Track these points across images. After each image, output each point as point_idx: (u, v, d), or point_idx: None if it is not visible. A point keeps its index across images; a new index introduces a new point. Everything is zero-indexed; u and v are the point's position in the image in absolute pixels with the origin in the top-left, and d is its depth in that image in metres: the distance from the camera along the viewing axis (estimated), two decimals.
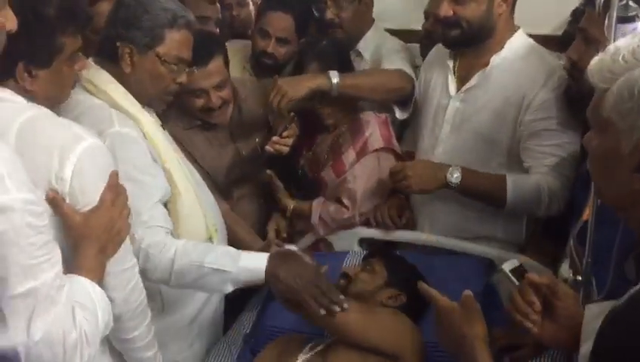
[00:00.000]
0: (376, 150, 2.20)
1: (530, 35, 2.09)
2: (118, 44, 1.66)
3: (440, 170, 2.00)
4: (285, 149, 2.08)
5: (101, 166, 1.29)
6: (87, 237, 1.23)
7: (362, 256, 2.15)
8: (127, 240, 1.37)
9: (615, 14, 1.49)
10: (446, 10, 1.96)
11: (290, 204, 2.24)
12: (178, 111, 2.12)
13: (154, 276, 1.62)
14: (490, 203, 2.05)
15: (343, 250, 2.21)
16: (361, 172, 2.19)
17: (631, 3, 1.50)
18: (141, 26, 1.66)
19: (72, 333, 1.09)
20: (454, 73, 2.10)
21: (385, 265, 1.83)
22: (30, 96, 1.29)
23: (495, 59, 2.02)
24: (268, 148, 2.08)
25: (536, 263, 1.99)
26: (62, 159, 1.21)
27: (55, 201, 1.21)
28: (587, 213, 1.50)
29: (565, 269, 1.60)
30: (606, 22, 1.53)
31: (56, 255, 1.10)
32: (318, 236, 2.24)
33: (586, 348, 0.97)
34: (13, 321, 1.03)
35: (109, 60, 1.68)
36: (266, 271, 1.59)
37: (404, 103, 2.28)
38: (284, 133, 2.07)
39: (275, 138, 2.07)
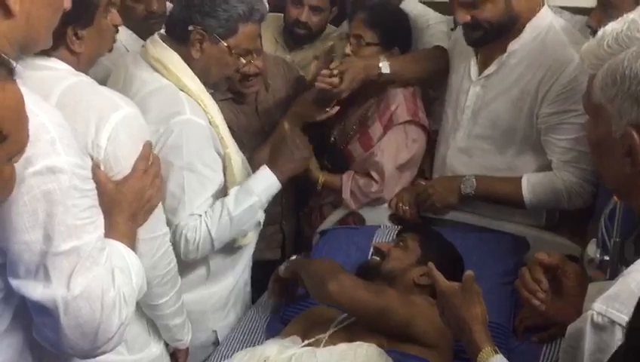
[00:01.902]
0: (402, 123, 2.18)
1: (563, 8, 1.99)
2: (190, 28, 1.65)
3: (455, 183, 2.05)
4: (336, 81, 2.07)
5: (136, 135, 1.32)
6: (118, 203, 1.27)
7: (394, 229, 2.17)
8: (159, 209, 1.41)
9: None
10: (463, 16, 1.89)
11: (321, 176, 2.25)
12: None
13: (200, 253, 1.71)
14: (509, 205, 2.04)
15: (374, 224, 2.22)
16: (388, 145, 2.18)
17: None
18: (217, 15, 1.65)
19: (110, 292, 1.12)
20: (477, 57, 2.04)
21: (419, 241, 1.82)
22: (76, 60, 1.33)
23: (513, 46, 1.93)
24: (318, 83, 2.09)
25: (569, 242, 1.96)
26: (98, 126, 1.26)
27: (91, 168, 1.24)
28: None
29: (592, 249, 1.56)
30: None
31: (100, 219, 1.14)
32: (349, 209, 2.25)
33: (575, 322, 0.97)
34: (55, 276, 1.06)
35: (177, 41, 1.68)
36: (272, 171, 1.77)
37: None
38: (332, 65, 2.09)
39: (325, 71, 2.08)
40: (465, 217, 2.15)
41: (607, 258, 1.52)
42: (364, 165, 2.23)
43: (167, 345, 1.66)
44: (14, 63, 0.99)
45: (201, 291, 1.84)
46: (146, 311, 1.53)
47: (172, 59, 1.66)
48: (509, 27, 1.90)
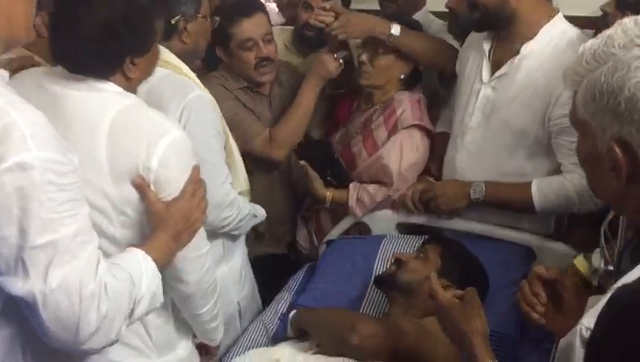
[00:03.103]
0: (407, 127, 2.20)
1: (569, 17, 1.99)
2: (173, 21, 1.79)
3: (464, 188, 2.04)
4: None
5: (184, 157, 1.38)
6: (165, 223, 1.32)
7: (401, 238, 2.18)
8: (202, 229, 1.46)
9: None
10: None
11: (329, 193, 2.25)
12: (222, 74, 2.27)
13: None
14: (520, 211, 2.03)
15: (381, 233, 2.23)
16: (394, 148, 2.20)
17: None
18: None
19: (89, 285, 1.13)
20: (489, 58, 2.03)
21: (440, 254, 1.80)
22: (129, 84, 1.40)
23: (526, 48, 1.93)
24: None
25: (574, 252, 1.95)
26: (149, 150, 1.30)
27: (141, 188, 1.31)
28: None
29: (597, 259, 1.56)
30: None
31: (82, 212, 1.16)
32: (356, 218, 2.26)
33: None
34: (33, 270, 1.08)
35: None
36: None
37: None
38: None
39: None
40: (470, 226, 2.14)
41: (611, 267, 1.53)
42: (369, 170, 2.24)
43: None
44: None
45: (222, 268, 1.97)
46: (187, 318, 1.59)
47: (167, 54, 1.75)
48: (503, 20, 1.92)
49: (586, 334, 0.95)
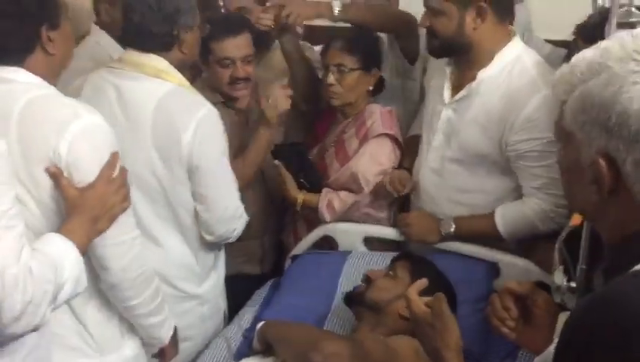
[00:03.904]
0: (376, 136, 2.23)
1: (549, 41, 2.04)
2: (175, 32, 1.80)
3: (436, 224, 2.09)
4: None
5: (98, 144, 1.38)
6: (79, 207, 1.33)
7: (367, 255, 2.17)
8: (125, 216, 1.45)
9: (615, 20, 1.46)
10: (424, 21, 1.99)
11: (300, 196, 2.25)
12: (201, 86, 2.25)
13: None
14: (490, 239, 2.07)
15: (347, 249, 2.22)
16: (363, 156, 2.23)
17: (633, 9, 1.47)
18: (187, 10, 1.83)
19: (11, 268, 1.14)
20: (450, 81, 2.07)
21: (410, 271, 1.78)
22: (51, 63, 1.40)
23: (483, 74, 1.96)
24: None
25: (538, 269, 1.98)
26: (58, 136, 1.31)
27: (54, 174, 1.32)
28: (575, 219, 1.48)
29: (559, 276, 1.58)
30: (606, 28, 1.50)
31: (7, 196, 1.18)
32: (322, 231, 2.26)
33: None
34: None
35: (159, 50, 1.80)
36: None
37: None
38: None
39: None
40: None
41: (573, 285, 1.55)
42: (339, 180, 2.25)
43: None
44: None
45: (212, 276, 2.02)
46: (122, 312, 1.56)
47: (167, 66, 1.80)
48: (460, 49, 1.97)
49: None
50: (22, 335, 1.21)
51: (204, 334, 2.02)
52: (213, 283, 2.02)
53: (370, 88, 2.30)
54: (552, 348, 0.97)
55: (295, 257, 2.25)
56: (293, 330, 1.72)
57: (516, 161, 1.96)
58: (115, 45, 2.23)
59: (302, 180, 2.27)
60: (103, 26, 2.45)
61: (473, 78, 1.98)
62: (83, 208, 1.33)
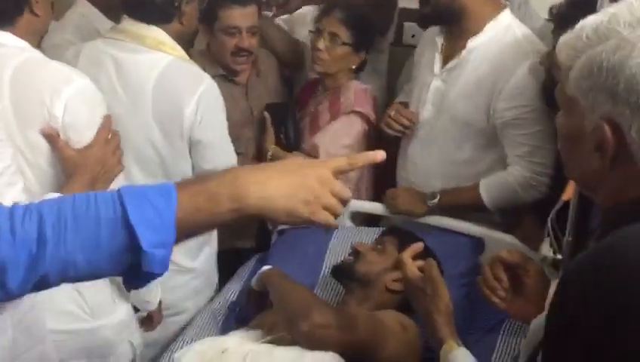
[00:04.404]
0: (347, 113, 2.25)
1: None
2: (176, 3, 1.78)
3: (422, 197, 2.11)
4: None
5: (90, 105, 1.40)
6: (81, 167, 1.35)
7: (353, 230, 2.17)
8: (121, 177, 1.48)
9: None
10: None
11: (272, 147, 2.28)
12: (201, 59, 2.24)
13: None
14: (475, 210, 2.09)
15: None
16: (330, 131, 2.25)
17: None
18: None
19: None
20: (441, 52, 2.08)
21: (397, 246, 1.78)
22: (39, 24, 1.43)
23: (472, 43, 1.98)
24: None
25: (522, 245, 2.00)
26: (53, 98, 1.33)
27: (50, 136, 1.33)
28: (568, 193, 1.49)
29: (546, 248, 1.60)
30: (597, 4, 1.49)
31: (6, 153, 1.21)
32: None
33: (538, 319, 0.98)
34: None
35: (161, 21, 1.78)
36: None
37: None
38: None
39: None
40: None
41: (560, 256, 1.57)
42: (305, 150, 2.28)
43: (136, 310, 1.71)
44: None
45: (205, 251, 2.03)
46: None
47: (167, 38, 1.78)
48: (452, 14, 1.97)
49: None
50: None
51: (197, 307, 2.05)
52: (206, 257, 2.03)
53: (354, 67, 2.30)
54: (544, 316, 0.98)
55: (282, 232, 2.24)
56: (291, 290, 1.70)
57: (502, 129, 1.98)
58: (101, 17, 2.16)
59: (281, 135, 2.31)
60: None
61: (464, 48, 2.00)
62: (84, 168, 1.35)
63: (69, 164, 1.35)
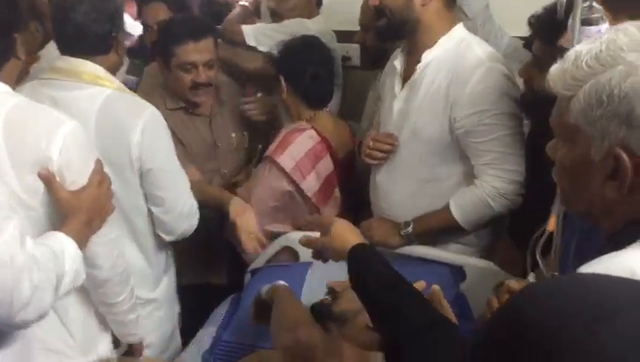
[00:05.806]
0: (265, 158, 2.23)
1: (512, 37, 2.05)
2: (113, 34, 1.77)
3: (396, 228, 2.07)
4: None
5: (83, 145, 1.43)
6: (76, 209, 1.38)
7: (329, 265, 2.09)
8: (113, 216, 1.52)
9: (579, 16, 1.43)
10: (373, 0, 1.98)
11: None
12: (162, 92, 2.29)
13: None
14: (452, 232, 2.05)
15: (308, 260, 2.13)
16: (253, 176, 2.28)
17: (595, 4, 1.45)
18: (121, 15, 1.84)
19: (18, 256, 1.20)
20: (401, 74, 2.07)
21: None
22: (18, 71, 1.49)
23: (427, 57, 1.97)
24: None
25: (500, 270, 1.96)
26: (48, 140, 1.35)
27: (46, 178, 1.35)
28: (552, 224, 1.45)
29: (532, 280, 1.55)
30: (569, 23, 1.48)
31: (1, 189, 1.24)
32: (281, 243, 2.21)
33: None
34: None
35: (97, 53, 1.76)
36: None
37: None
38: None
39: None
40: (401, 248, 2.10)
41: None
42: None
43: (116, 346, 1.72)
44: None
45: (165, 278, 2.02)
46: (103, 309, 1.61)
47: (104, 72, 1.76)
48: (408, 26, 1.96)
49: None
50: (32, 323, 1.26)
51: (161, 338, 2.00)
52: (166, 286, 2.02)
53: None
54: None
55: (255, 271, 2.16)
56: (292, 307, 1.70)
57: (465, 139, 1.94)
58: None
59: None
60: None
61: (419, 62, 1.98)
62: (80, 210, 1.38)
63: (63, 205, 1.37)
